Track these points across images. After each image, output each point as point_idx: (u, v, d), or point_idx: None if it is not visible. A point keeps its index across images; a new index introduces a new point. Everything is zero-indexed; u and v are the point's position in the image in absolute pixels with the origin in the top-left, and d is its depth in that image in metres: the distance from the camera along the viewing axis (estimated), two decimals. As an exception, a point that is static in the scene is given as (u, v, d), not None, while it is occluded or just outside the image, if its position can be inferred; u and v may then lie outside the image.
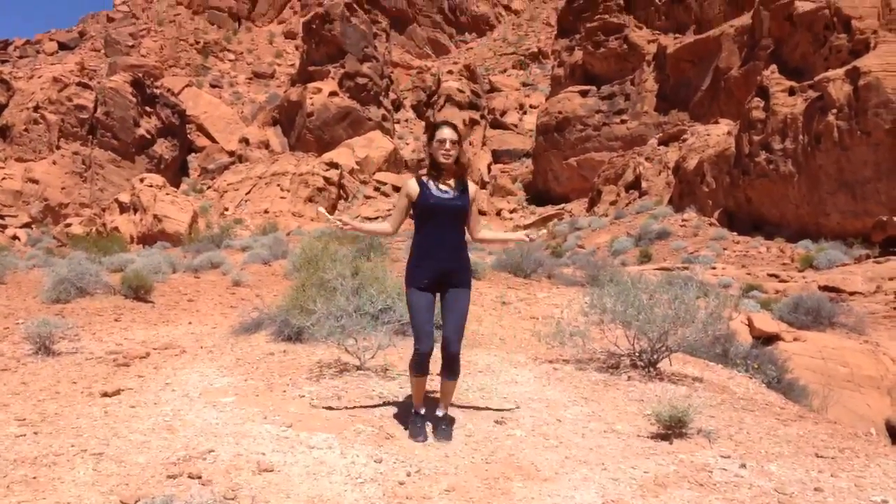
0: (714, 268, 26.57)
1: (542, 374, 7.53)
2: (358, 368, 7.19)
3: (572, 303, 9.52)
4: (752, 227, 33.52)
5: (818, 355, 12.15)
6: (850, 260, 25.81)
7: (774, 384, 9.02)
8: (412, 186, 5.34)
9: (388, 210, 57.16)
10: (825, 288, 19.83)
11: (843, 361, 12.12)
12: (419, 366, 5.29)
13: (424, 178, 5.34)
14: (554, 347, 8.43)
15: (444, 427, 5.39)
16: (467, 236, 5.48)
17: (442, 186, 5.28)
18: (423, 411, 5.47)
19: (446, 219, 5.26)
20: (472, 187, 5.41)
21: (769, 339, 12.75)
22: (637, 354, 7.88)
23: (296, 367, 7.43)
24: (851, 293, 19.67)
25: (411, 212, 5.39)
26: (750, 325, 13.35)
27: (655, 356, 7.78)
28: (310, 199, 58.35)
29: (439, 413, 5.48)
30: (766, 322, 13.54)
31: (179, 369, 7.40)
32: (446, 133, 5.27)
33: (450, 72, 75.84)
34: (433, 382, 6.04)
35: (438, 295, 5.40)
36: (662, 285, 8.48)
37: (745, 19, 45.17)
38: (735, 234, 33.45)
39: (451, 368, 5.36)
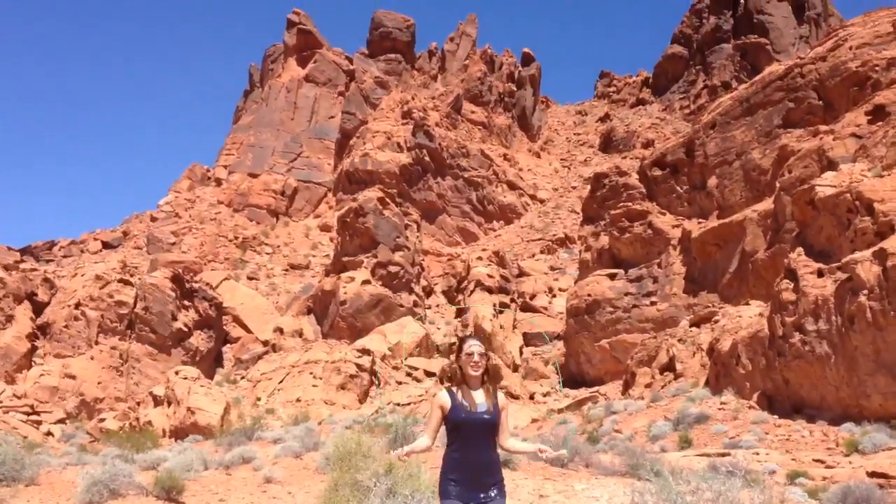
0: (757, 453, 25.65)
1: (583, 581, 7.25)
2: (393, 577, 6.99)
3: (613, 498, 9.29)
4: (793, 410, 32.57)
5: (874, 551, 11.50)
6: (897, 443, 24.85)
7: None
8: (444, 399, 5.47)
9: (421, 395, 56.66)
10: (873, 474, 19.00)
11: (902, 558, 11.43)
12: None
13: (454, 389, 5.48)
14: (595, 549, 8.13)
15: None
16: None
17: (472, 399, 5.40)
18: None
19: (477, 434, 5.34)
20: (501, 398, 5.53)
21: (821, 533, 12.15)
22: (682, 557, 7.58)
23: (329, 575, 7.24)
24: (901, 479, 18.80)
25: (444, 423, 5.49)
26: (800, 518, 12.76)
27: (701, 559, 7.48)
28: (342, 387, 58.20)
29: None
30: (817, 515, 12.95)
31: (211, 579, 7.24)
32: (474, 347, 5.47)
33: (479, 258, 77.70)
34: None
35: None
36: (706, 477, 8.30)
37: (767, 204, 46.26)
38: (776, 416, 32.45)
39: None
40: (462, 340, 5.61)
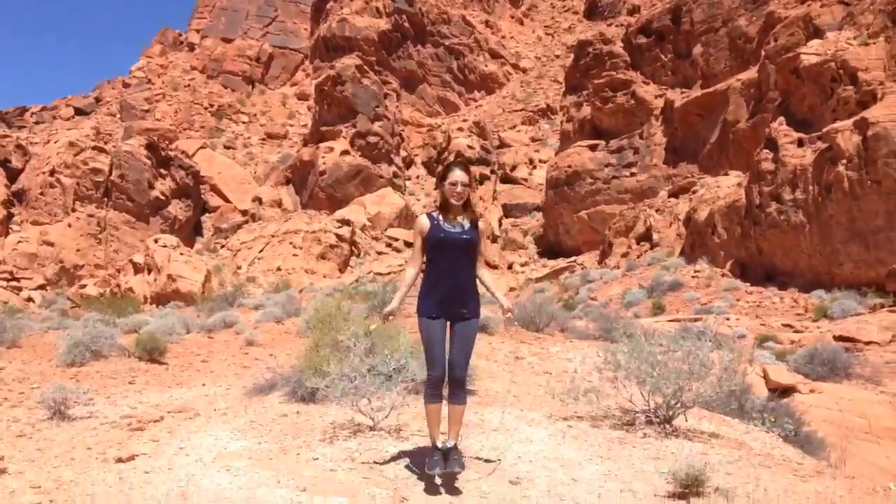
0: (728, 318, 26.40)
1: (556, 433, 7.47)
2: (371, 429, 7.17)
3: (586, 358, 9.48)
4: (765, 278, 33.36)
5: (835, 407, 12.02)
6: (865, 309, 25.60)
7: (791, 437, 8.90)
8: (423, 222, 5.61)
9: (401, 265, 57.30)
10: (840, 338, 19.65)
11: (861, 413, 11.97)
12: (433, 391, 5.50)
13: (434, 214, 5.56)
14: (568, 404, 8.36)
15: (456, 457, 5.56)
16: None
17: (452, 223, 5.49)
18: (439, 444, 5.61)
19: (456, 252, 5.51)
20: (481, 224, 5.64)
21: (785, 391, 12.63)
22: (652, 411, 7.80)
23: (309, 428, 7.42)
24: (867, 343, 19.49)
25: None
26: (765, 377, 13.23)
27: (671, 412, 7.71)
28: (322, 256, 58.63)
29: (449, 444, 5.61)
30: (782, 374, 13.43)
31: (193, 433, 7.40)
32: (458, 175, 5.51)
33: (460, 129, 76.78)
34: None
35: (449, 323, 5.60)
36: (676, 338, 8.44)
37: (752, 73, 45.60)
38: (748, 284, 33.27)
39: (456, 393, 5.58)
40: (447, 168, 5.61)
